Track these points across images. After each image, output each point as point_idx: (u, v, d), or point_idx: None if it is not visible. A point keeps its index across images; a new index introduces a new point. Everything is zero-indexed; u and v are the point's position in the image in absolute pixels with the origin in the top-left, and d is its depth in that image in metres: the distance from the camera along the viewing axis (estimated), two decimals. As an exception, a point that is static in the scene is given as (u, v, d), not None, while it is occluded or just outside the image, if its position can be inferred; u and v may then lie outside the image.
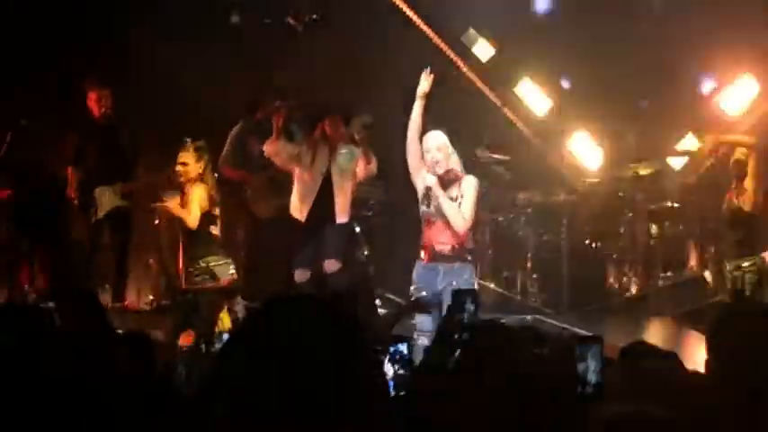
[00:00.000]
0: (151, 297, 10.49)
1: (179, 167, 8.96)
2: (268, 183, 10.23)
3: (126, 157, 10.21)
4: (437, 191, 7.89)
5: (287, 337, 2.12)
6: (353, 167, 9.64)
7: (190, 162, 8.97)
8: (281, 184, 9.98)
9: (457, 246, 7.98)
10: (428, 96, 8.09)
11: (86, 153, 10.11)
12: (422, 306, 8.65)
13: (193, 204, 8.94)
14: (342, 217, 9.67)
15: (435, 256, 8.00)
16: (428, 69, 8.12)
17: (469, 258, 8.07)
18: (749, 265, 9.14)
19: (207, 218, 9.02)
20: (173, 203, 8.96)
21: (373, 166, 9.61)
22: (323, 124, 9.71)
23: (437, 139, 8.00)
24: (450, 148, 8.01)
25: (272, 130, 9.65)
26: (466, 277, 7.95)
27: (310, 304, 2.20)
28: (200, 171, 9.02)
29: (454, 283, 7.79)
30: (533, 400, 3.29)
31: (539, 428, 3.14)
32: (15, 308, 4.17)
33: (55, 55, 10.83)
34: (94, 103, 10.10)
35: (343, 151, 9.67)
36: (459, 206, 7.93)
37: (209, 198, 9.04)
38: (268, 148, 9.60)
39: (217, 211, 9.13)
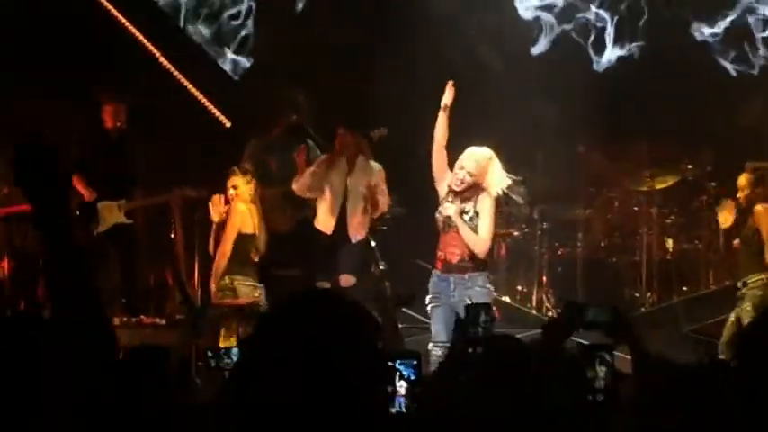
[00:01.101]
0: (167, 311, 10.49)
1: (231, 192, 9.04)
2: (284, 197, 10.23)
3: (133, 174, 10.20)
4: (456, 220, 7.90)
5: (307, 334, 2.12)
6: (370, 182, 9.64)
7: (240, 185, 9.07)
8: (297, 198, 9.99)
9: (468, 256, 7.96)
10: (452, 108, 8.09)
11: (94, 164, 10.08)
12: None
13: (232, 224, 9.03)
14: (357, 232, 9.69)
15: (448, 266, 7.99)
16: (451, 82, 8.13)
17: (481, 267, 8.05)
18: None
19: (248, 240, 9.08)
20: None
21: (384, 205, 9.65)
22: (337, 139, 9.73)
23: (471, 163, 7.94)
24: (479, 170, 7.96)
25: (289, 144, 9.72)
26: (478, 287, 7.92)
27: (334, 302, 2.21)
28: (251, 193, 9.11)
29: (467, 293, 7.79)
30: (544, 415, 3.29)
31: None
32: (31, 319, 4.18)
33: (74, 67, 10.89)
34: (109, 116, 10.09)
35: (360, 165, 9.68)
36: (475, 226, 7.91)
37: (259, 220, 9.14)
38: (297, 187, 9.64)
39: (260, 236, 9.18)
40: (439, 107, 8.16)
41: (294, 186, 9.68)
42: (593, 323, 4.00)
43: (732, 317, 8.87)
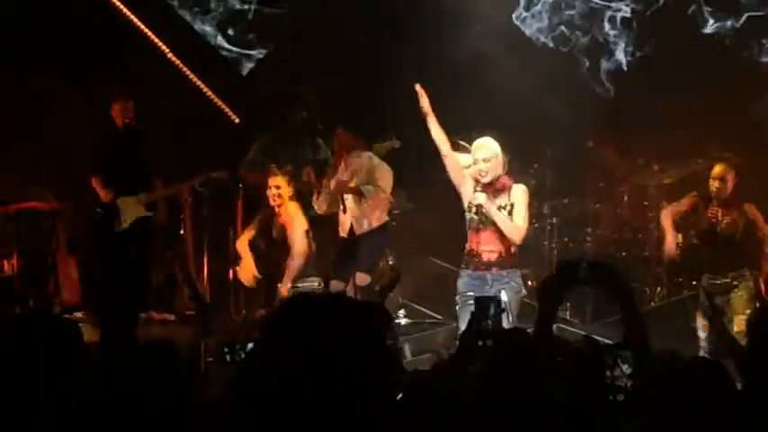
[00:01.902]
0: (176, 307, 10.50)
1: (272, 191, 9.21)
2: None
3: (148, 168, 10.23)
4: (488, 206, 7.85)
5: (313, 333, 2.12)
6: (371, 178, 9.67)
7: (282, 185, 9.26)
8: (306, 195, 9.99)
9: (504, 252, 7.94)
10: (434, 109, 8.04)
11: (109, 163, 10.13)
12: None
13: (298, 224, 9.41)
14: (375, 222, 9.72)
15: (483, 264, 7.93)
16: (418, 85, 8.03)
17: (516, 264, 8.04)
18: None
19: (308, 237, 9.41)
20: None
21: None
22: (336, 139, 9.76)
23: (484, 150, 7.93)
24: (500, 156, 7.96)
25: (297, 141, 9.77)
26: (515, 283, 7.92)
27: (339, 303, 2.20)
28: (292, 193, 9.28)
29: (503, 288, 7.76)
30: (554, 410, 3.28)
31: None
32: (45, 317, 4.17)
33: (82, 66, 10.90)
34: (118, 113, 10.10)
35: (360, 163, 9.70)
36: (510, 216, 7.89)
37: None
38: (318, 207, 9.65)
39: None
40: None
41: (315, 207, 9.71)
42: (587, 279, 3.99)
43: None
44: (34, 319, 3.69)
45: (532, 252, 11.93)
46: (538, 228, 11.98)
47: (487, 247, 7.92)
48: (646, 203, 11.96)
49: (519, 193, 7.97)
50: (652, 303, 11.36)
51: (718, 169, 8.88)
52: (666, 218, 9.40)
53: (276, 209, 9.46)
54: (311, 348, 2.13)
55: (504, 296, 7.48)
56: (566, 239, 12.02)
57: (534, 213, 12.03)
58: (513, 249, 7.97)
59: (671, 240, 9.26)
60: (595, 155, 12.56)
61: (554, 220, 11.94)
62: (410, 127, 10.10)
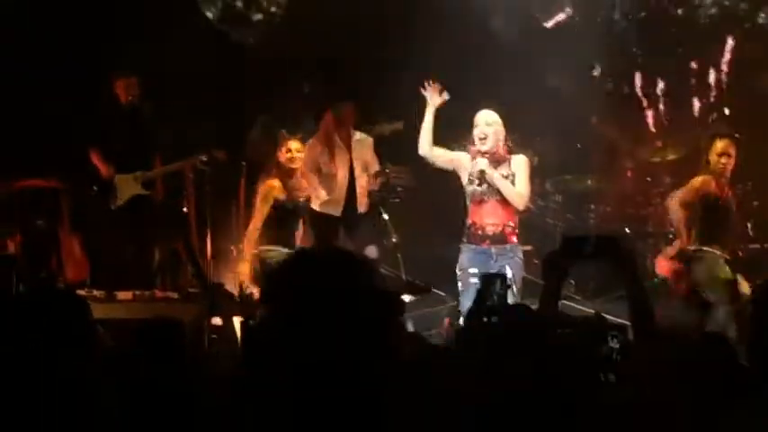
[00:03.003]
0: (179, 284, 10.50)
1: (291, 154, 9.07)
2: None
3: (148, 146, 10.22)
4: (490, 171, 7.85)
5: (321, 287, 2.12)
6: (368, 153, 9.70)
7: (300, 148, 9.15)
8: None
9: (507, 225, 7.94)
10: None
11: (111, 139, 10.12)
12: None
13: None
14: (364, 204, 9.76)
15: (487, 238, 7.92)
16: (437, 85, 8.05)
17: (517, 237, 8.04)
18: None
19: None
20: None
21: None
22: (344, 113, 9.73)
23: (488, 115, 7.97)
24: (501, 125, 7.99)
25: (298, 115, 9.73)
26: (519, 257, 7.93)
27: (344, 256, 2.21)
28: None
29: (507, 263, 7.77)
30: (558, 383, 3.28)
31: (561, 410, 3.13)
32: (55, 293, 4.18)
33: (84, 42, 10.88)
34: (122, 90, 10.12)
35: (357, 138, 9.71)
36: (512, 184, 7.90)
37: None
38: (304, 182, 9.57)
39: None
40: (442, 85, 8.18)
41: (302, 181, 9.64)
42: (592, 253, 3.98)
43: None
44: (45, 295, 3.70)
45: (536, 229, 11.92)
46: (542, 205, 11.97)
47: (490, 220, 7.93)
48: (649, 179, 11.95)
49: (521, 163, 8.02)
50: (655, 279, 11.36)
51: (722, 144, 8.68)
52: (677, 211, 8.95)
53: (290, 171, 9.22)
54: (322, 304, 2.13)
55: (508, 271, 7.49)
56: (569, 216, 12.01)
57: (537, 190, 12.03)
58: (514, 223, 7.97)
59: (685, 241, 8.83)
60: (599, 131, 12.54)
61: (557, 197, 11.93)
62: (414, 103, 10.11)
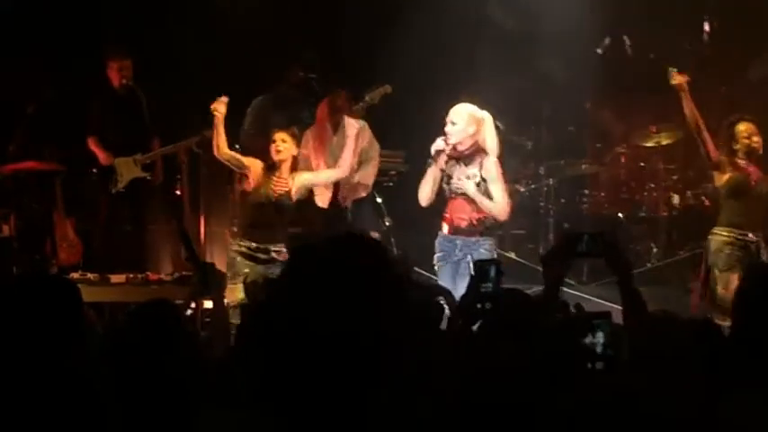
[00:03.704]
0: (172, 268, 10.51)
1: (279, 145, 8.84)
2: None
3: (145, 129, 10.22)
4: (474, 195, 7.88)
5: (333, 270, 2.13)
6: (372, 146, 9.72)
7: (288, 141, 8.90)
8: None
9: (475, 221, 7.98)
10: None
11: (107, 124, 10.13)
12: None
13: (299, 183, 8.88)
14: (359, 193, 9.79)
15: (455, 229, 8.02)
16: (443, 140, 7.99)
17: (487, 233, 8.06)
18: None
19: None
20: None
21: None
22: (338, 101, 9.70)
23: (452, 114, 7.93)
24: (468, 123, 7.93)
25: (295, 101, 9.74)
26: (483, 250, 7.95)
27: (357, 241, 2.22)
28: (295, 154, 8.94)
29: (470, 255, 7.82)
30: (550, 368, 3.30)
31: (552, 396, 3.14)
32: (45, 277, 4.19)
33: (78, 25, 10.86)
34: (115, 73, 10.11)
35: (346, 124, 9.71)
36: (485, 190, 7.90)
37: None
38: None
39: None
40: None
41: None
42: (588, 251, 4.07)
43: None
44: (35, 279, 3.70)
45: (529, 213, 11.96)
46: (534, 189, 12.00)
47: (458, 214, 8.00)
48: (642, 164, 11.97)
49: (491, 168, 7.93)
50: (648, 264, 11.39)
51: (744, 126, 8.42)
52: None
53: (278, 164, 9.03)
54: (325, 292, 2.14)
55: (470, 261, 7.58)
56: (562, 200, 12.04)
57: (531, 174, 12.07)
58: (484, 220, 8.00)
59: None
60: (593, 116, 12.55)
61: (550, 181, 11.95)
62: (408, 89, 10.12)
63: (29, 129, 10.14)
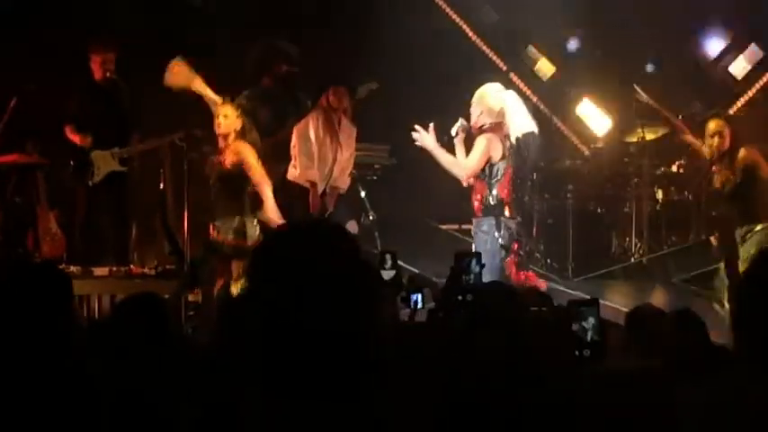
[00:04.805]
0: (155, 261, 10.48)
1: (220, 120, 8.64)
2: (273, 149, 10.19)
3: (125, 122, 10.20)
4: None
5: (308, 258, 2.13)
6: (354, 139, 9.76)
7: (230, 115, 8.67)
8: (286, 150, 9.96)
9: (476, 202, 8.05)
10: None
11: (85, 116, 10.09)
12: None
13: (250, 157, 8.62)
14: (346, 183, 9.81)
15: (473, 211, 8.22)
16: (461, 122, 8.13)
17: (487, 212, 8.11)
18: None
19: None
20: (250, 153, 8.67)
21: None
22: (327, 94, 9.67)
23: (476, 92, 8.13)
24: (477, 105, 8.06)
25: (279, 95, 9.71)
26: (481, 231, 8.02)
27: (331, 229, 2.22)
28: (241, 126, 8.71)
29: (476, 234, 7.94)
30: (532, 358, 3.30)
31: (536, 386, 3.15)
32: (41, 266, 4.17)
33: (60, 17, 10.84)
34: (98, 66, 10.08)
35: (346, 123, 9.72)
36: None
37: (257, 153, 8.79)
38: (308, 177, 9.53)
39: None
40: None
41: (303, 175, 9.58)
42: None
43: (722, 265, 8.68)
44: (26, 269, 3.68)
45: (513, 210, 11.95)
46: (519, 185, 11.98)
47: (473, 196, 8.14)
48: (626, 160, 11.99)
49: (478, 140, 8.11)
50: (632, 259, 11.42)
51: (713, 125, 8.43)
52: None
53: (220, 141, 8.85)
54: (304, 277, 2.13)
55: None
56: (546, 195, 12.04)
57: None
58: (484, 201, 8.07)
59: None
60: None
61: (535, 176, 11.94)
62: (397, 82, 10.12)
63: (11, 122, 10.10)
